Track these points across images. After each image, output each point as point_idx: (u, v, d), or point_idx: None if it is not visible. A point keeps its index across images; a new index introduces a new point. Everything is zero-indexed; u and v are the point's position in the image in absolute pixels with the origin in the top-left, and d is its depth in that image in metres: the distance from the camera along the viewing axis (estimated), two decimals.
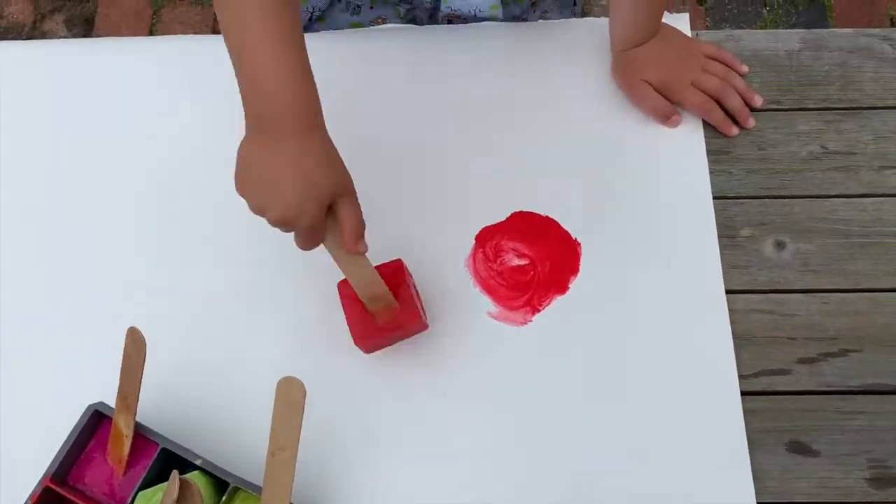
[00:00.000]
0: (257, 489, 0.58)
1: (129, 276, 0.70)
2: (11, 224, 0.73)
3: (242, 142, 0.57)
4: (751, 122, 0.75)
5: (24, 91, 0.78)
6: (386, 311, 0.62)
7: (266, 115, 0.56)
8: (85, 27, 1.50)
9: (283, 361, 0.65)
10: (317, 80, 0.57)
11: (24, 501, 0.59)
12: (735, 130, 0.75)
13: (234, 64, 0.56)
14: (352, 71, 0.78)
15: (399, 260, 0.64)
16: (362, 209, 0.59)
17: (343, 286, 0.63)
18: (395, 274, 0.63)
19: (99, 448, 0.62)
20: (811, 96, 0.78)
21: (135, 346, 0.58)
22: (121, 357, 0.60)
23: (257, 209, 0.57)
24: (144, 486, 0.59)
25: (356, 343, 0.63)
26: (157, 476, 0.60)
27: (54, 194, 0.74)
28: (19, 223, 0.73)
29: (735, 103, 0.75)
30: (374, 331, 0.62)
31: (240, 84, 0.56)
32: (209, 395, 0.66)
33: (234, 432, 0.64)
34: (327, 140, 0.58)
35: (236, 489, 0.59)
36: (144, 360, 0.58)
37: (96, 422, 0.62)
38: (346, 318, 0.63)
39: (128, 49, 0.80)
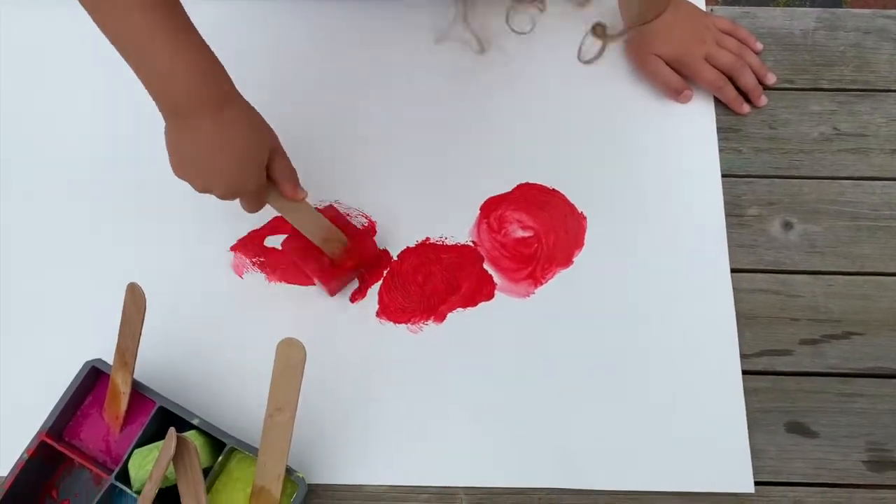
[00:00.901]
0: (254, 450, 0.58)
1: (130, 234, 0.70)
2: (11, 180, 0.72)
3: (166, 130, 0.58)
4: (763, 101, 0.74)
5: (29, 42, 0.77)
6: (340, 250, 0.65)
7: (180, 102, 0.56)
8: None
9: (283, 323, 0.65)
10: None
11: (19, 455, 0.59)
12: (747, 108, 0.74)
13: (126, 59, 0.55)
14: (351, 40, 0.77)
15: (331, 205, 0.68)
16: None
17: (288, 243, 0.66)
18: (335, 217, 0.66)
19: (96, 405, 0.62)
20: (825, 76, 0.77)
21: (134, 303, 0.58)
22: (120, 314, 0.60)
23: (202, 190, 0.59)
24: (140, 444, 0.59)
25: (326, 286, 0.65)
26: (153, 435, 0.60)
27: (54, 150, 0.73)
28: (19, 180, 0.72)
29: (748, 80, 0.74)
30: (336, 271, 0.65)
31: (141, 78, 0.56)
32: (207, 355, 0.65)
33: (233, 393, 0.64)
34: (245, 105, 0.59)
35: (233, 450, 0.59)
36: (144, 317, 0.58)
37: (94, 378, 0.62)
38: (307, 269, 0.65)
39: None
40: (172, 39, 0.54)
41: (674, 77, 0.73)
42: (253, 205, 0.61)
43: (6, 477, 0.58)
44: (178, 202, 0.70)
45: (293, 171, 0.62)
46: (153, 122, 0.72)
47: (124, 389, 0.59)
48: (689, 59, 0.73)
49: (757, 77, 0.74)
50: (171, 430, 0.53)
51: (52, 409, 0.60)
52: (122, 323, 0.59)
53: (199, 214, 0.70)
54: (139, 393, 0.60)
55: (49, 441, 0.59)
